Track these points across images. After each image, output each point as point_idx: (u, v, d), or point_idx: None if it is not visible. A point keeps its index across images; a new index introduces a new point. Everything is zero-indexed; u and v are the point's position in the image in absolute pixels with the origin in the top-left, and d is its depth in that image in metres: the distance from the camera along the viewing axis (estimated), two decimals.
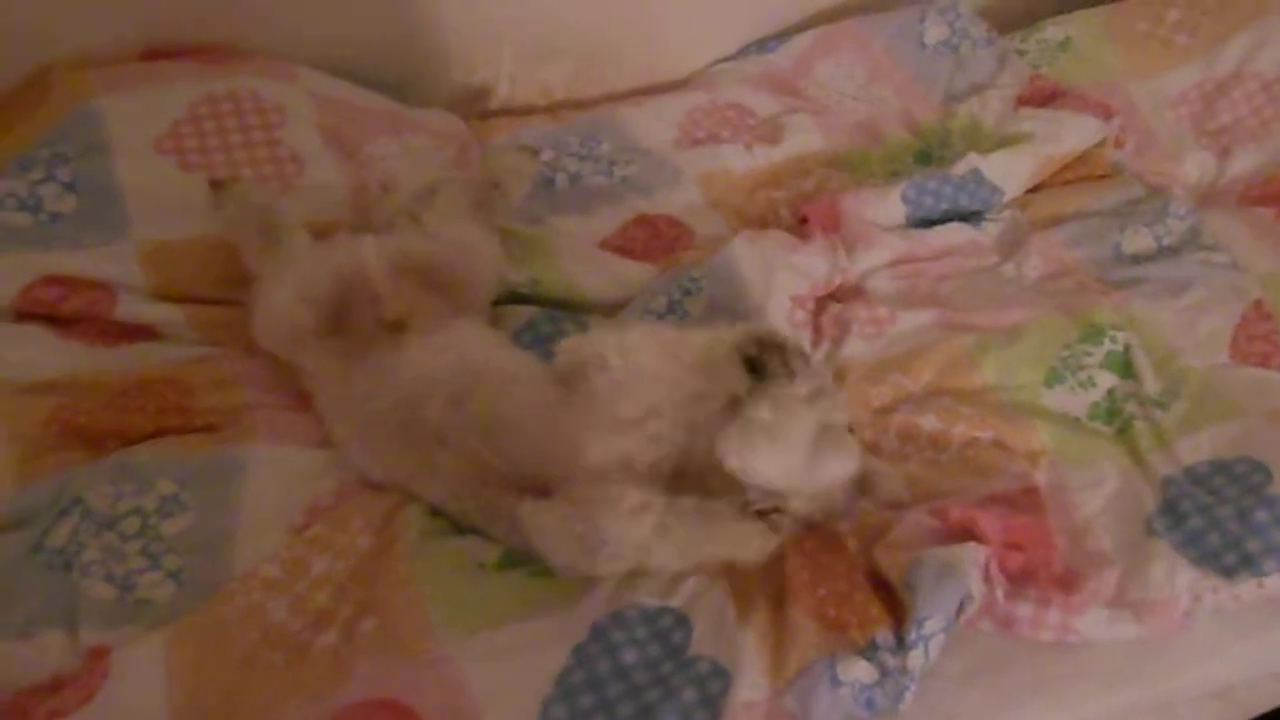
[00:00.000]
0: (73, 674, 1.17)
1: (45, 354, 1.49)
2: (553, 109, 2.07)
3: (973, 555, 1.21)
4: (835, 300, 1.68)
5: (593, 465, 1.25)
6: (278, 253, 1.51)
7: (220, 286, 1.57)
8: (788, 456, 1.21)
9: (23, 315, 1.52)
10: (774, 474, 1.22)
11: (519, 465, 1.29)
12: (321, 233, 1.59)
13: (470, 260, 1.57)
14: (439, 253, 1.54)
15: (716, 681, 1.15)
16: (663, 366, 1.26)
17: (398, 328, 1.44)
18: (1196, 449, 1.42)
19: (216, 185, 1.57)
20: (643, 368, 1.26)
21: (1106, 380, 1.52)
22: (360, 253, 1.50)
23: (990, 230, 1.81)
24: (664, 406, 1.26)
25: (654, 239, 1.81)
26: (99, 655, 1.18)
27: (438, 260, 1.53)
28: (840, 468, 1.26)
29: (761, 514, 1.22)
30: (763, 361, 1.22)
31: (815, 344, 1.61)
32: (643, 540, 1.20)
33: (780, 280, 1.62)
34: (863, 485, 1.34)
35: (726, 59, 2.18)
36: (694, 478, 1.26)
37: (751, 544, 1.22)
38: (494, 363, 1.39)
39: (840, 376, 1.54)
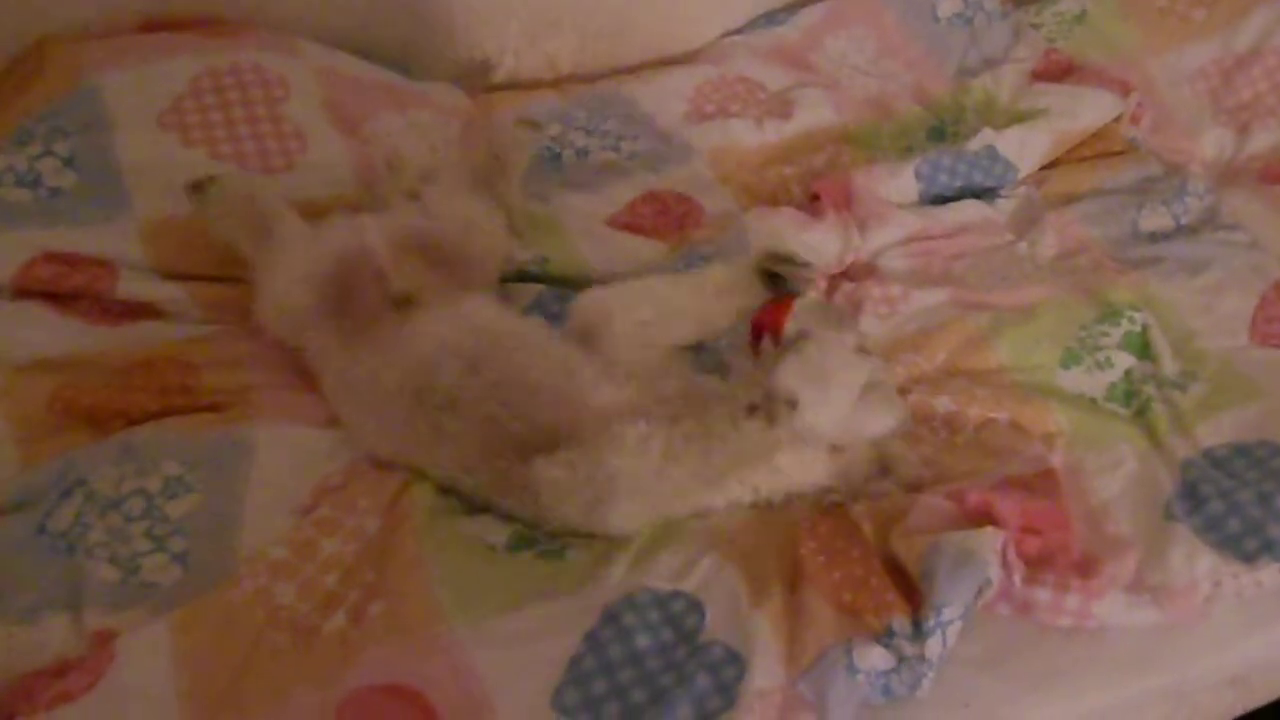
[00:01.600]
0: (78, 658, 1.16)
1: (46, 332, 1.47)
2: (559, 83, 2.04)
3: (990, 540, 1.19)
4: (847, 279, 1.66)
5: (601, 413, 1.26)
6: (270, 240, 1.48)
7: (223, 264, 1.55)
8: (837, 402, 1.21)
9: (23, 293, 1.50)
10: (823, 418, 1.21)
11: (535, 425, 1.27)
12: (324, 209, 1.57)
13: (473, 236, 1.54)
14: (440, 230, 1.52)
15: (731, 668, 1.14)
16: (670, 307, 1.33)
17: (406, 303, 1.41)
18: (1216, 432, 1.40)
19: (196, 187, 1.51)
20: (647, 317, 1.29)
21: (1124, 361, 1.50)
22: (360, 232, 1.47)
23: (1004, 207, 1.79)
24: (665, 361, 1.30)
25: (663, 215, 1.78)
26: (105, 639, 1.17)
27: (439, 238, 1.51)
28: (885, 422, 1.27)
29: (755, 409, 1.20)
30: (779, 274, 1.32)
31: None
32: (654, 469, 1.19)
33: None
34: (881, 465, 1.33)
35: (735, 31, 2.15)
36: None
37: (756, 443, 1.20)
38: (509, 326, 1.38)
39: None
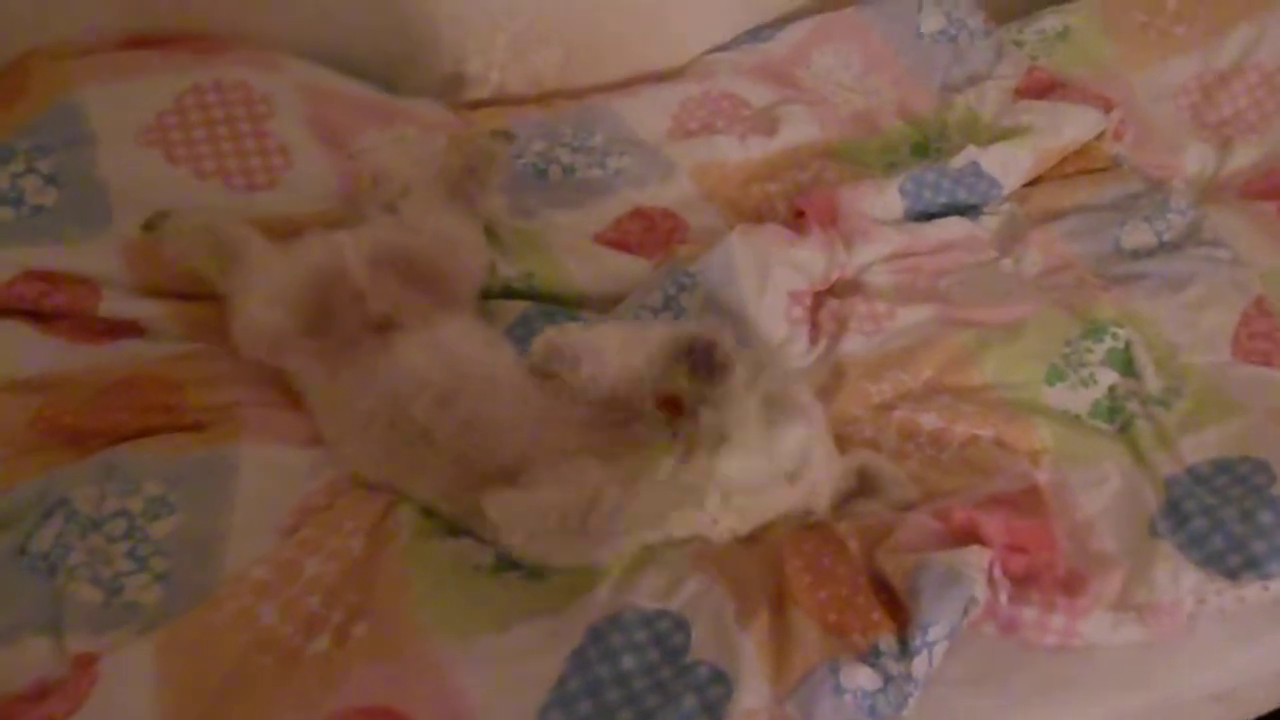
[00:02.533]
0: (59, 681, 1.15)
1: (28, 351, 1.46)
2: (544, 99, 2.04)
3: (976, 559, 1.19)
4: (833, 295, 1.66)
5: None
6: (238, 266, 1.47)
7: (205, 282, 1.54)
8: (749, 452, 1.22)
9: (4, 312, 1.49)
10: (743, 473, 1.23)
11: (504, 465, 1.26)
12: (308, 226, 1.56)
13: (453, 251, 1.53)
14: (420, 245, 1.51)
15: (717, 687, 1.13)
16: (626, 364, 1.26)
17: (385, 326, 1.41)
18: (1199, 448, 1.41)
19: (150, 225, 1.49)
20: (610, 368, 1.24)
21: (1108, 377, 1.51)
22: (338, 250, 1.46)
23: (988, 224, 1.79)
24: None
25: (648, 232, 1.78)
26: (87, 662, 1.15)
27: (419, 253, 1.50)
28: (798, 430, 1.25)
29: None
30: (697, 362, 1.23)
31: (813, 340, 1.59)
32: (584, 503, 1.17)
33: (777, 276, 1.60)
34: (870, 487, 1.33)
35: (721, 48, 2.15)
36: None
37: (684, 485, 1.20)
38: (481, 363, 1.36)
39: (840, 373, 1.52)
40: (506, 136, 1.73)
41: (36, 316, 1.49)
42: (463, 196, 1.62)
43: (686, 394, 1.27)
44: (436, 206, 1.58)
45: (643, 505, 1.19)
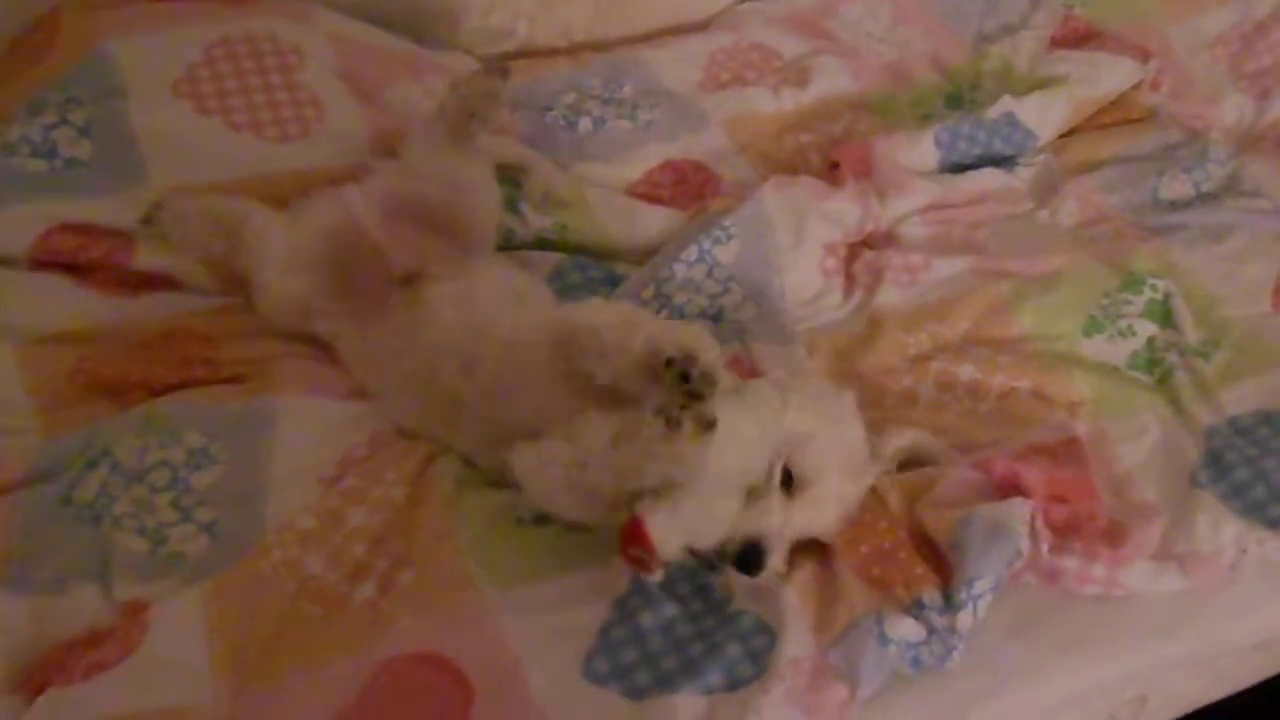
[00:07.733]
0: (110, 627, 1.17)
1: (65, 304, 1.47)
2: (573, 50, 2.02)
3: (1020, 511, 1.19)
4: (868, 247, 1.65)
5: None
6: (244, 242, 1.45)
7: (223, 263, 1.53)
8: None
9: (40, 264, 1.49)
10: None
11: (531, 427, 1.25)
12: (341, 178, 1.55)
13: (465, 194, 1.51)
14: (430, 191, 1.49)
15: (760, 637, 1.15)
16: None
17: (411, 279, 1.40)
18: (1240, 399, 1.41)
19: (146, 221, 1.49)
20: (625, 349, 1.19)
21: (1146, 329, 1.50)
22: (346, 206, 1.45)
23: (1024, 175, 1.78)
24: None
25: (681, 184, 1.77)
26: (136, 609, 1.17)
27: (431, 199, 1.48)
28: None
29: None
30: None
31: (848, 292, 1.59)
32: (587, 456, 1.15)
33: (812, 228, 1.60)
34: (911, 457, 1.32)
35: None
36: None
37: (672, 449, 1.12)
38: (505, 326, 1.34)
39: (876, 324, 1.52)
40: (502, 70, 1.60)
41: (72, 269, 1.49)
42: (465, 138, 1.55)
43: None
44: (442, 149, 1.53)
45: (625, 462, 1.13)
